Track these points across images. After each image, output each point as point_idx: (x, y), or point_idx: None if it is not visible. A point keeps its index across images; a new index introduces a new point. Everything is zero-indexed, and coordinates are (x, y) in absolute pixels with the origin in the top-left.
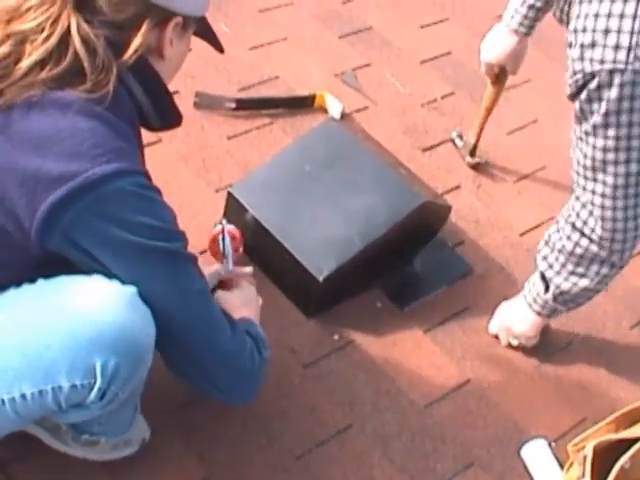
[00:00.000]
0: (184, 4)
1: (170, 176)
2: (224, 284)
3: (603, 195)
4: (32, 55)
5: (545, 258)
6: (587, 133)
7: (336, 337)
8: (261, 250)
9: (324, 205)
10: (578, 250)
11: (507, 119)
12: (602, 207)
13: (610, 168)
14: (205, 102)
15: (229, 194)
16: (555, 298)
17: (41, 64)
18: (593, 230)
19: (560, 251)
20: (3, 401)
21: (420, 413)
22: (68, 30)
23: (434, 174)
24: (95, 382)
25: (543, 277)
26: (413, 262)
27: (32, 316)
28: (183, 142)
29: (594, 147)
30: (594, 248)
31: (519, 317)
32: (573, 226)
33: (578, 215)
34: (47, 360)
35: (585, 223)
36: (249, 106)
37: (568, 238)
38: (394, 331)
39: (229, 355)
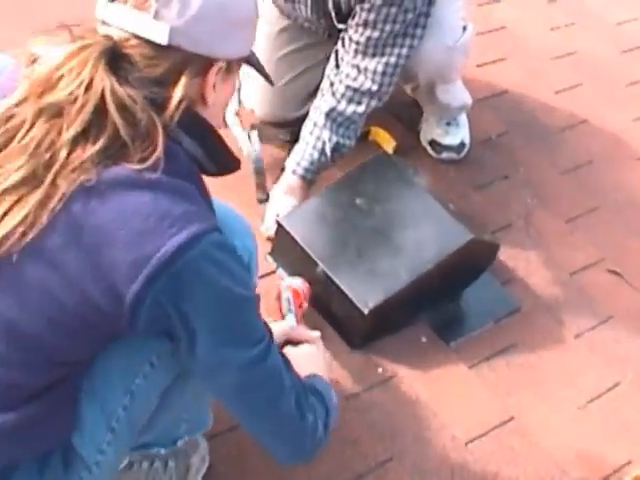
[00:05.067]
0: (226, 49)
1: None
2: (291, 340)
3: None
4: (70, 130)
5: None
6: None
7: (380, 370)
8: (308, 281)
9: (373, 238)
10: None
11: (562, 159)
12: None
13: None
14: (260, 134)
15: (278, 224)
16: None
17: (83, 138)
18: None
19: None
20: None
21: (461, 449)
22: (102, 96)
23: (485, 212)
24: None
25: None
26: (460, 297)
27: None
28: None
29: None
30: None
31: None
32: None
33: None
34: None
35: None
36: None
37: None
38: (439, 366)
39: (291, 415)
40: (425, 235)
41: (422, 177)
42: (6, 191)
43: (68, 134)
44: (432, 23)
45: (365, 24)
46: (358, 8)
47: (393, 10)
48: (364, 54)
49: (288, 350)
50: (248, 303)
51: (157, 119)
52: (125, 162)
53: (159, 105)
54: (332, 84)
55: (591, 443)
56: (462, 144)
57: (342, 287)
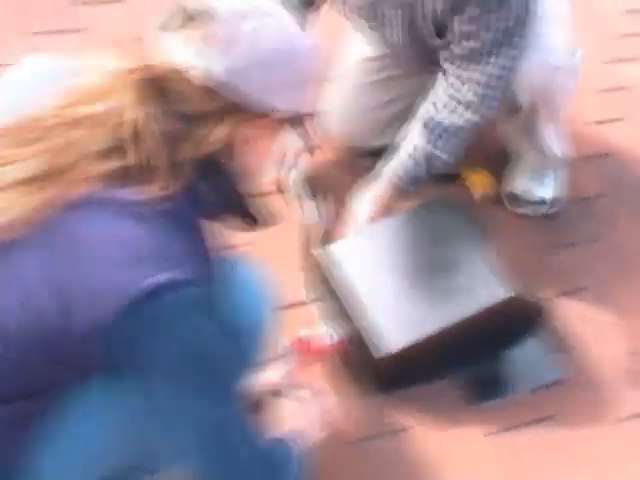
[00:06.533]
0: (272, 102)
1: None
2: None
3: None
4: (92, 145)
5: None
6: None
7: (392, 420)
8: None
9: (409, 280)
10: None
11: None
12: None
13: None
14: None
15: (319, 254)
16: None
17: (100, 156)
18: None
19: None
20: None
21: None
22: (136, 122)
23: (563, 272)
24: None
25: None
26: (500, 359)
27: None
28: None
29: None
30: None
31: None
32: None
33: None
34: None
35: None
36: None
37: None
38: (458, 426)
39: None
40: (463, 285)
41: (480, 225)
42: (17, 183)
43: (88, 149)
44: (536, 41)
45: (465, 36)
46: (457, 20)
47: (492, 19)
48: (467, 65)
49: (272, 401)
50: (207, 369)
51: (178, 157)
52: (132, 189)
53: (184, 142)
54: (434, 94)
55: None
56: (552, 200)
57: (363, 330)
